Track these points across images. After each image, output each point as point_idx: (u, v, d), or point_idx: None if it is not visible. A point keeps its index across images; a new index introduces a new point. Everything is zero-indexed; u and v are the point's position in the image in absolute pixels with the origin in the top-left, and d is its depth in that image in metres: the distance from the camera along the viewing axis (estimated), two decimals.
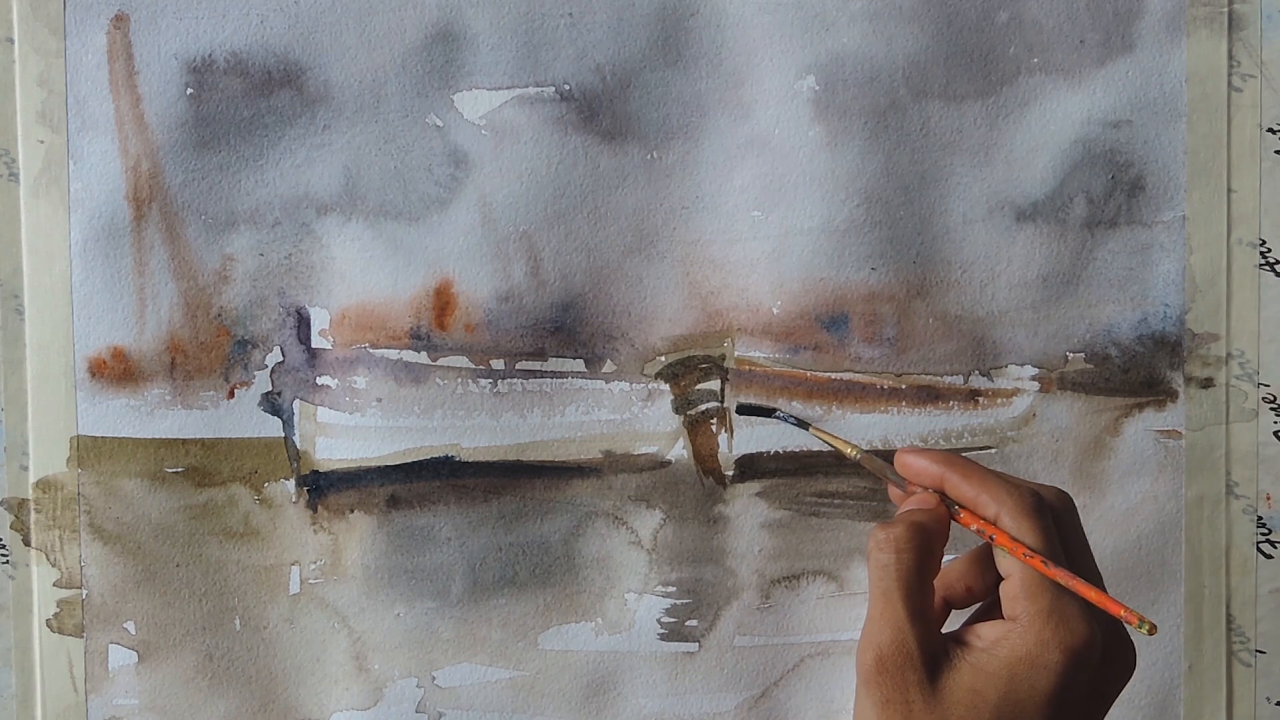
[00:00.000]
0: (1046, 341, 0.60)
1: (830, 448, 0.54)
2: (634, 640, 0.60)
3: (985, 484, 0.47)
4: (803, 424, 0.53)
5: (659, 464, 0.60)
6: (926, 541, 0.46)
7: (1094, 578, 0.47)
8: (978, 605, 0.50)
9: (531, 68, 0.58)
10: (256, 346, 0.59)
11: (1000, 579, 0.46)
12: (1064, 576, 0.44)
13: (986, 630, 0.45)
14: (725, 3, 0.58)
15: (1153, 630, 0.43)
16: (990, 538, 0.46)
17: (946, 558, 0.48)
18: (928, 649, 0.44)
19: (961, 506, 0.47)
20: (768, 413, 0.56)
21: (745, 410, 0.59)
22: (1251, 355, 0.61)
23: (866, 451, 0.51)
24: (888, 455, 0.60)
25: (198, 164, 0.58)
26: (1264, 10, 0.60)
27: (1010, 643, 0.44)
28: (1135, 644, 0.47)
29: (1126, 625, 0.45)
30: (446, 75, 0.58)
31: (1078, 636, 0.44)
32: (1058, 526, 0.46)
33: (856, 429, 0.60)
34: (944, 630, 0.47)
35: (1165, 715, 0.61)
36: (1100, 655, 0.44)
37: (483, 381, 0.59)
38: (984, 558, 0.48)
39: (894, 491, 0.50)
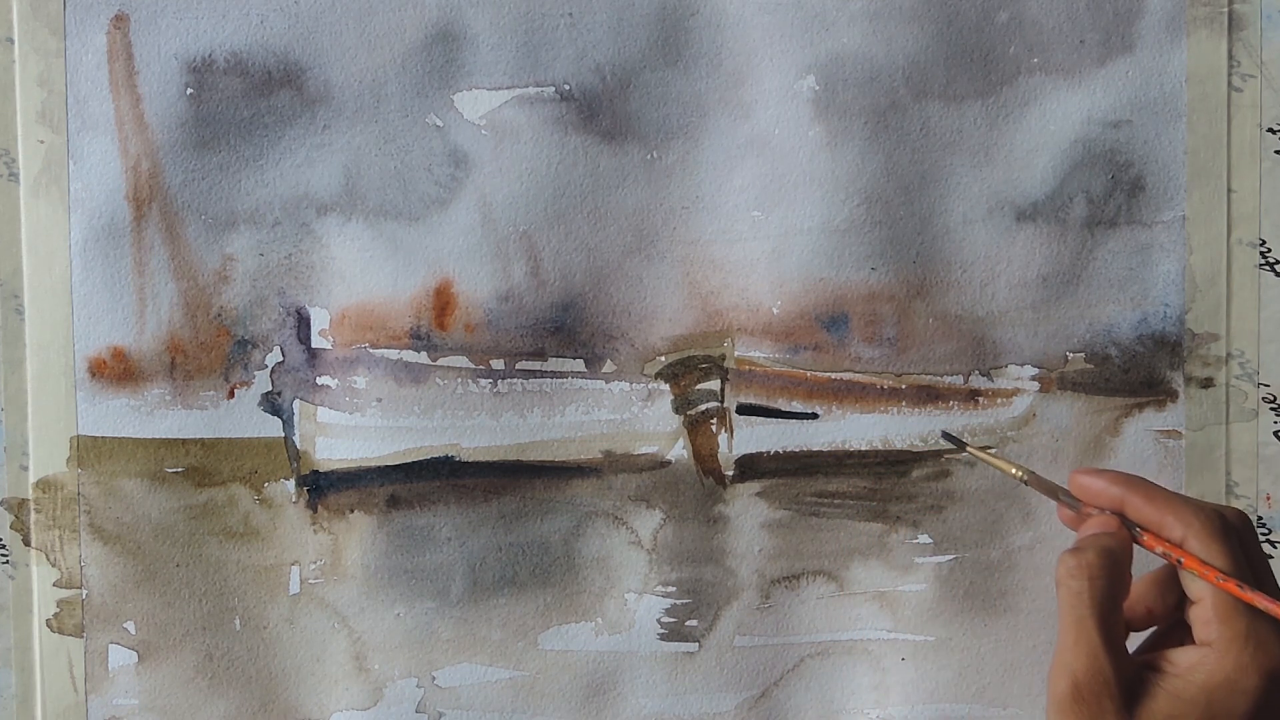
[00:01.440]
0: (1046, 341, 0.60)
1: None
2: (634, 640, 0.60)
3: (1170, 506, 0.46)
4: (960, 443, 0.53)
5: (659, 464, 0.60)
6: (1117, 567, 0.45)
7: None
8: (1153, 630, 0.49)
9: (531, 68, 0.58)
10: (256, 346, 0.59)
11: (1182, 601, 0.46)
12: (1263, 601, 0.43)
13: (1180, 656, 0.44)
14: (725, 3, 0.58)
15: None
16: (1179, 561, 0.45)
17: None
18: (1123, 677, 0.44)
19: (1144, 529, 0.46)
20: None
21: (758, 413, 0.59)
22: (1251, 355, 0.61)
23: (1034, 473, 0.50)
24: (903, 456, 0.60)
25: (198, 164, 0.58)
26: (1264, 10, 0.60)
27: (1207, 668, 0.44)
28: None
29: None
30: (446, 75, 0.58)
31: (1275, 659, 0.43)
32: (1242, 547, 0.46)
33: (857, 429, 0.60)
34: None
35: None
36: None
37: (483, 381, 0.59)
38: (1165, 579, 0.47)
39: (1064, 513, 0.49)
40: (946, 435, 0.54)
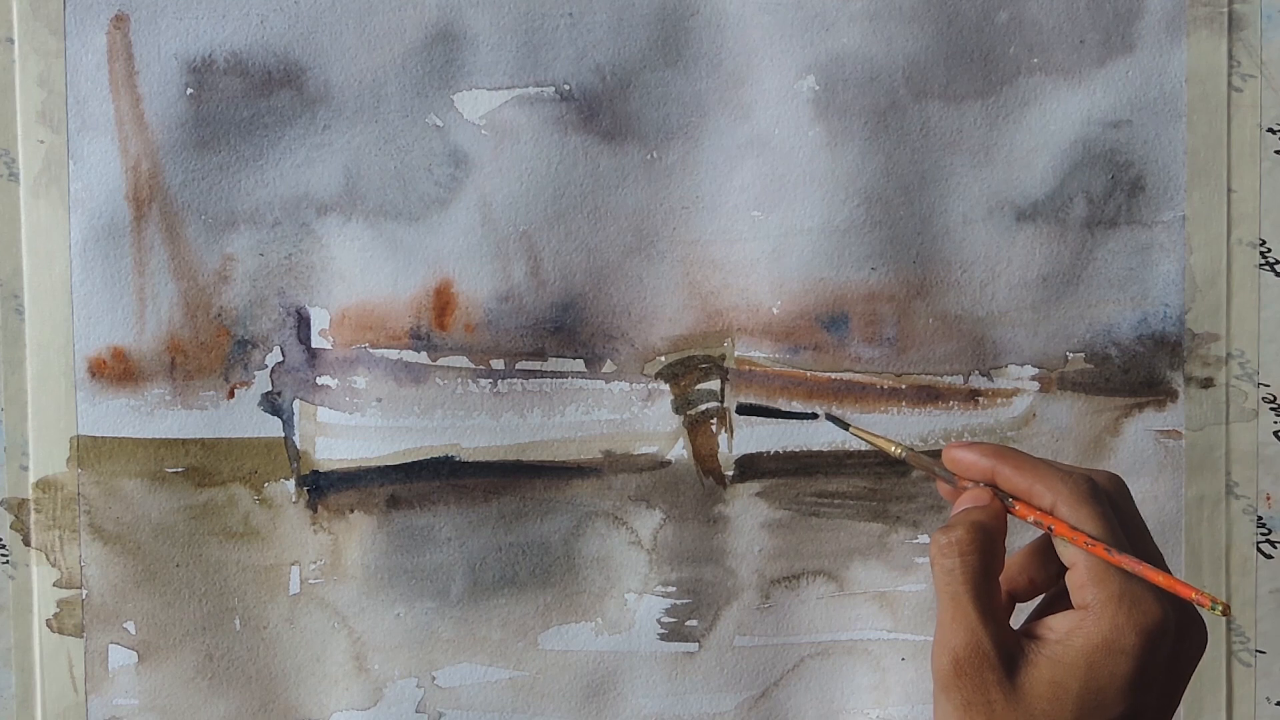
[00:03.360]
0: (1046, 341, 0.60)
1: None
2: (634, 640, 0.61)
3: (1038, 473, 0.46)
4: (843, 424, 0.53)
5: (659, 464, 0.60)
6: (988, 540, 0.46)
7: (1155, 559, 0.46)
8: (1042, 597, 0.49)
9: (531, 68, 0.58)
10: (256, 346, 0.59)
11: (1063, 568, 0.46)
12: (1129, 562, 0.44)
13: (1058, 621, 0.45)
14: (725, 3, 0.58)
15: (1226, 611, 0.43)
16: (1049, 528, 0.45)
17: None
18: (1003, 647, 0.44)
19: (1016, 499, 0.47)
20: (812, 416, 0.56)
21: (756, 413, 0.59)
22: (1251, 355, 0.61)
23: (912, 449, 0.51)
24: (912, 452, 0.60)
25: (198, 164, 0.58)
26: (1264, 10, 0.60)
27: (1085, 631, 0.44)
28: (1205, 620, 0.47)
29: (1199, 607, 0.44)
30: (446, 75, 0.58)
31: (1151, 617, 0.44)
32: (1114, 510, 0.46)
33: None
34: (1011, 625, 0.46)
35: None
36: (1175, 633, 0.44)
37: (483, 381, 0.59)
38: (1045, 548, 0.48)
39: (944, 488, 0.50)
40: (830, 416, 0.54)
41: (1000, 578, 0.48)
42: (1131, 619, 0.43)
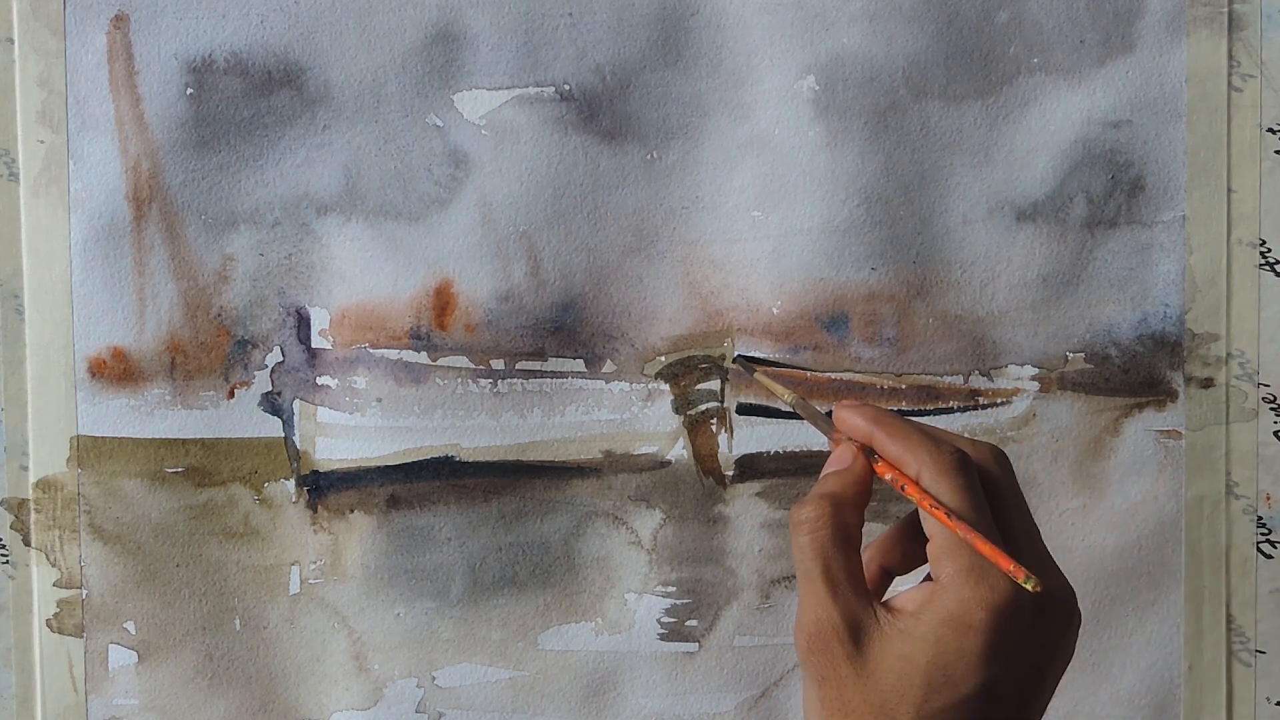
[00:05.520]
0: (1046, 341, 0.60)
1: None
2: (634, 640, 0.61)
3: (909, 441, 0.45)
4: (750, 367, 0.54)
5: (659, 464, 0.60)
6: (840, 513, 0.45)
7: (1030, 535, 0.45)
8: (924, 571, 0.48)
9: (531, 68, 0.58)
10: (256, 346, 0.59)
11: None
12: (963, 529, 0.42)
13: (913, 594, 0.44)
14: (725, 3, 0.58)
15: (1037, 587, 0.41)
16: (902, 488, 0.45)
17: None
18: (852, 621, 0.43)
19: (888, 464, 0.46)
20: (749, 370, 0.56)
21: (756, 413, 0.59)
22: (1251, 355, 0.61)
23: (801, 399, 0.51)
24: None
25: (198, 164, 0.58)
26: (1264, 10, 0.60)
27: (935, 605, 0.43)
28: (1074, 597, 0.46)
29: (1013, 578, 0.43)
30: (446, 75, 0.58)
31: (1000, 594, 0.42)
32: (987, 484, 0.45)
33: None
34: (871, 598, 0.46)
35: (1165, 715, 0.61)
36: (1033, 608, 0.43)
37: (483, 381, 0.59)
38: (917, 523, 0.47)
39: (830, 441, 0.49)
40: (741, 359, 0.55)
41: (875, 551, 0.47)
42: (979, 594, 0.42)
